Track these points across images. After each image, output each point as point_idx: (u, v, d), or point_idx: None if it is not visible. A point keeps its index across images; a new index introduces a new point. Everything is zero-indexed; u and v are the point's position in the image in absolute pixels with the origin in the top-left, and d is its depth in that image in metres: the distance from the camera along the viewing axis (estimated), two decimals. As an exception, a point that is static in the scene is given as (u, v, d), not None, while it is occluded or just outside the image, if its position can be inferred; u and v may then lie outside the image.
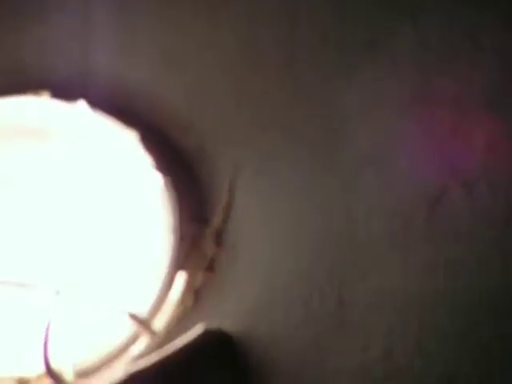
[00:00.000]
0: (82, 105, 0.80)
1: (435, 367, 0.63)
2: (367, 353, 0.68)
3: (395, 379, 0.66)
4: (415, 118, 0.69)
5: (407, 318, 0.65)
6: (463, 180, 0.63)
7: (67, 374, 0.71)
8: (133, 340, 0.74)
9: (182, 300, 0.75)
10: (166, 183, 0.79)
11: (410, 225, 0.67)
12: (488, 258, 0.60)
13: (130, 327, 0.74)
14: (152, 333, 0.73)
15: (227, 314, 0.76)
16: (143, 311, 0.75)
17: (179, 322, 0.75)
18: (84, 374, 0.73)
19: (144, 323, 0.73)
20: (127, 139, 0.80)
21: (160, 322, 0.74)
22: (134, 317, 0.72)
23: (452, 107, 0.63)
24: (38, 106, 0.77)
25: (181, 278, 0.76)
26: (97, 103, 0.81)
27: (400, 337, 0.65)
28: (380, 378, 0.67)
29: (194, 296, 0.77)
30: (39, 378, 0.71)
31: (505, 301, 0.61)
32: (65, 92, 0.80)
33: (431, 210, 0.65)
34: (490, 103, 0.55)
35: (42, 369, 0.68)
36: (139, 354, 0.73)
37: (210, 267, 0.78)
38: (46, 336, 0.66)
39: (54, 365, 0.68)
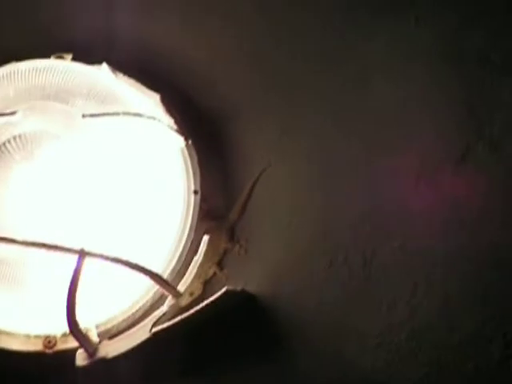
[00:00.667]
0: (104, 67, 0.80)
1: (460, 327, 0.63)
2: (392, 313, 0.68)
3: (419, 339, 0.66)
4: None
5: (432, 278, 0.65)
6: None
7: (92, 334, 0.71)
8: (158, 301, 0.75)
9: (206, 262, 0.76)
10: (187, 145, 0.79)
11: (435, 185, 0.66)
12: None
13: (155, 288, 0.74)
14: (177, 294, 0.73)
15: (251, 277, 0.76)
16: (168, 273, 0.75)
17: (203, 284, 0.76)
18: (109, 334, 0.74)
19: (169, 284, 0.72)
20: (149, 101, 0.81)
21: (185, 284, 0.75)
22: (159, 278, 0.71)
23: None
24: (60, 69, 0.77)
25: (205, 240, 0.76)
26: (119, 65, 0.81)
27: (425, 297, 0.65)
28: (404, 338, 0.67)
29: (218, 259, 0.78)
30: (65, 336, 0.71)
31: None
32: (87, 55, 0.80)
33: (456, 168, 0.64)
34: None
35: (67, 328, 0.68)
36: (164, 315, 0.72)
37: (231, 233, 0.78)
38: (72, 296, 0.65)
39: (79, 325, 0.68)
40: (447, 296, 0.64)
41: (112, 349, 0.70)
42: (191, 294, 0.75)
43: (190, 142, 0.80)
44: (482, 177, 0.62)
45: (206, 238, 0.76)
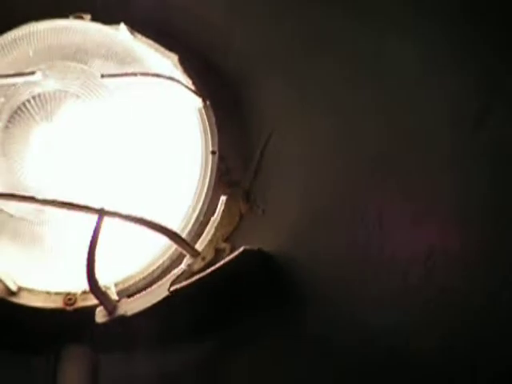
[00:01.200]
0: (122, 27, 0.80)
1: (479, 288, 0.63)
2: (408, 276, 0.68)
3: (436, 302, 0.66)
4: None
5: (449, 238, 0.65)
6: None
7: (111, 292, 0.73)
8: (175, 261, 0.76)
9: (224, 222, 0.77)
10: (205, 106, 0.80)
11: (454, 147, 0.66)
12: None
13: (173, 248, 0.76)
14: (195, 254, 0.73)
15: (268, 238, 0.77)
16: (186, 233, 0.77)
17: (221, 244, 0.77)
18: (128, 292, 0.75)
19: (187, 244, 0.73)
20: (167, 62, 0.82)
21: (202, 244, 0.76)
22: (177, 237, 0.72)
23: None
24: (79, 29, 0.78)
25: (222, 200, 0.77)
26: (137, 26, 0.81)
27: (441, 257, 0.65)
28: (421, 301, 0.68)
29: (236, 220, 0.79)
30: (84, 294, 0.73)
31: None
32: (106, 15, 0.81)
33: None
34: None
35: (87, 286, 0.69)
36: (182, 274, 0.74)
37: (248, 194, 0.79)
38: (92, 255, 0.66)
39: (98, 283, 0.69)
40: (465, 258, 0.64)
41: (131, 307, 0.71)
42: (203, 259, 0.76)
43: (207, 102, 0.80)
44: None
45: (223, 198, 0.77)
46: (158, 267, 0.76)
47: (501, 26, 0.57)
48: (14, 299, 0.73)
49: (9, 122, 0.73)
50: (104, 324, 0.70)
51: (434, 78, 0.66)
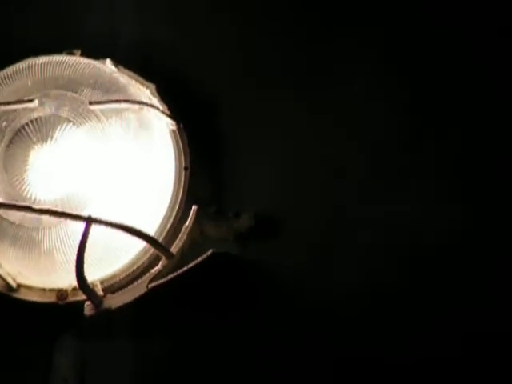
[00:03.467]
0: (108, 61, 0.91)
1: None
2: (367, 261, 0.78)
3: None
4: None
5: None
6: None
7: (98, 288, 0.81)
8: (153, 261, 0.85)
9: (195, 228, 0.86)
10: (179, 128, 0.90)
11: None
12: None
13: (152, 251, 0.84)
14: (170, 256, 0.82)
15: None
16: (162, 237, 0.85)
17: (192, 247, 0.86)
18: (112, 289, 0.83)
19: (163, 247, 0.82)
20: (146, 91, 0.92)
21: (177, 247, 0.85)
22: (154, 241, 0.81)
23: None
24: (71, 63, 0.87)
25: (193, 209, 0.86)
26: (120, 60, 0.92)
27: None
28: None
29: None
30: (75, 290, 0.81)
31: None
32: (94, 51, 0.91)
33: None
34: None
35: (76, 283, 0.77)
36: (159, 273, 0.83)
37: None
38: (80, 256, 0.74)
39: (87, 281, 0.77)
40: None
41: (115, 301, 0.81)
42: (181, 256, 0.84)
43: (181, 125, 0.90)
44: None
45: (194, 207, 0.86)
46: (138, 267, 0.84)
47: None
48: (14, 294, 0.82)
49: (10, 142, 0.81)
50: (91, 316, 0.80)
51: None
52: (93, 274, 0.81)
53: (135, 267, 0.85)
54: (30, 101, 0.82)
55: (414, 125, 0.85)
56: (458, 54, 0.89)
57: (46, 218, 0.78)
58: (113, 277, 0.84)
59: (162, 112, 0.89)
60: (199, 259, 0.80)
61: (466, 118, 0.85)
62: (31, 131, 0.81)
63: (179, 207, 0.86)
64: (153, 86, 0.93)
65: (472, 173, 0.83)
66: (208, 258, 0.81)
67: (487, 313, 0.76)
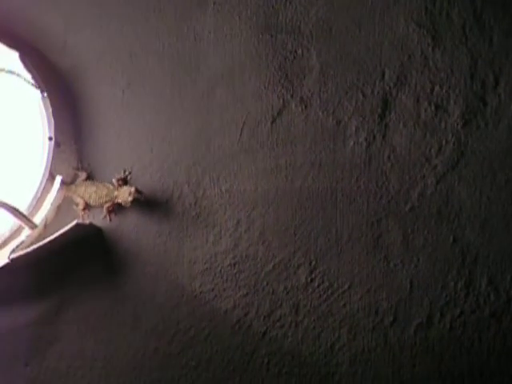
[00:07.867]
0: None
1: (275, 254, 0.80)
2: (217, 244, 0.82)
3: (240, 266, 0.82)
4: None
5: (252, 216, 0.80)
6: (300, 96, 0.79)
7: None
8: (16, 232, 0.85)
9: (59, 198, 0.86)
10: (43, 97, 0.88)
11: (256, 134, 0.81)
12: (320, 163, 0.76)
13: (14, 221, 0.84)
14: (32, 226, 0.83)
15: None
16: (25, 208, 0.85)
17: (56, 218, 0.87)
18: None
19: (25, 217, 0.82)
20: (9, 58, 0.88)
21: (40, 217, 0.85)
22: (16, 211, 0.81)
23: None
24: None
25: (57, 180, 0.86)
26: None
27: (245, 231, 0.81)
28: (227, 265, 0.82)
29: (70, 195, 0.87)
30: None
31: (333, 201, 0.77)
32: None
33: (273, 122, 0.80)
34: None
35: None
36: (21, 244, 0.83)
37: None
38: None
39: None
40: (264, 231, 0.80)
41: (-25, 272, 0.80)
42: (45, 226, 0.84)
43: (45, 94, 0.88)
44: (295, 130, 0.79)
45: (58, 178, 0.86)
46: (1, 237, 0.85)
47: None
48: None
49: None
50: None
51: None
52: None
53: (-3, 238, 0.84)
54: None
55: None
56: None
57: None
58: (-26, 247, 0.83)
59: (25, 80, 0.87)
60: (62, 230, 0.81)
61: None
62: None
63: (43, 177, 0.86)
64: (16, 54, 0.88)
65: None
66: (72, 228, 0.81)
67: None
